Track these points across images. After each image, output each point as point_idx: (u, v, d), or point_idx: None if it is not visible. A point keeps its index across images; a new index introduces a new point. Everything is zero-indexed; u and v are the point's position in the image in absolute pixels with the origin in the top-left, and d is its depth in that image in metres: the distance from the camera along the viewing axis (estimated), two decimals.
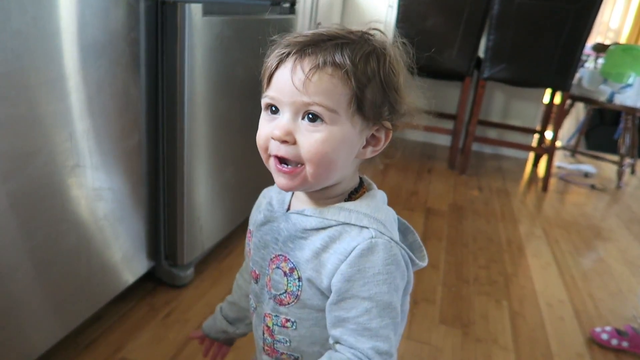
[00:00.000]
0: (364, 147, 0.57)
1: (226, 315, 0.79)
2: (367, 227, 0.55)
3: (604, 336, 1.39)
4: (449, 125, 3.23)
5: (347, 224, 0.56)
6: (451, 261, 1.80)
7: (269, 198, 0.64)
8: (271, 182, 0.61)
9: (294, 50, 0.52)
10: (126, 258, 1.26)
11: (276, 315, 0.61)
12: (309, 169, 0.53)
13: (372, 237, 0.54)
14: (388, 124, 0.56)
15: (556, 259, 1.92)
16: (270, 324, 0.62)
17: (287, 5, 1.79)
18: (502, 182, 2.79)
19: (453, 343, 1.35)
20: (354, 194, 0.59)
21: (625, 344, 1.37)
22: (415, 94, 0.58)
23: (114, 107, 1.10)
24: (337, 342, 0.56)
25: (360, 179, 0.62)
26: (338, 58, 0.51)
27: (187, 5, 1.17)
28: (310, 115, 0.52)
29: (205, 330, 0.82)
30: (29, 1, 0.84)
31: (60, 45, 0.92)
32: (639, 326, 1.41)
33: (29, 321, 0.99)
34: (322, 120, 0.52)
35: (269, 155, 0.55)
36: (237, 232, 1.71)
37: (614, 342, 1.38)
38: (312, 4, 2.27)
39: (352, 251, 0.54)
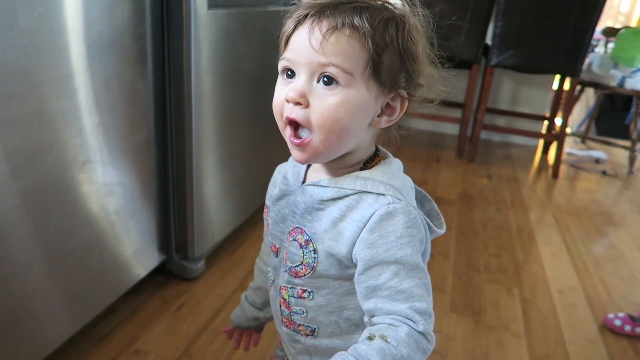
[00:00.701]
0: (379, 115, 0.56)
1: (253, 302, 0.80)
2: (383, 194, 0.55)
3: (617, 322, 1.38)
4: (456, 113, 3.21)
5: (364, 192, 0.56)
6: (461, 250, 1.80)
7: (284, 172, 0.64)
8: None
9: (312, 12, 0.52)
10: (138, 252, 1.27)
11: (292, 287, 0.61)
12: (319, 136, 0.53)
13: (390, 203, 0.54)
14: (404, 93, 0.56)
15: (567, 246, 1.91)
16: (286, 296, 0.62)
17: (290, 8, 1.78)
18: (511, 169, 2.77)
19: (464, 331, 1.35)
20: (369, 163, 0.59)
21: (638, 329, 1.36)
22: (433, 66, 0.57)
23: (122, 102, 1.11)
24: (372, 315, 0.54)
25: (376, 148, 0.61)
26: (357, 20, 0.51)
27: None
28: (325, 78, 0.52)
29: (235, 322, 0.82)
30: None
31: (68, 42, 0.93)
32: None
33: (44, 315, 1.00)
34: (337, 83, 0.52)
35: (285, 123, 0.55)
36: (247, 224, 1.71)
37: (627, 328, 1.37)
38: None
39: (370, 218, 0.54)
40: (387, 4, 0.54)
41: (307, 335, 0.63)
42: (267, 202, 0.67)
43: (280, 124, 0.56)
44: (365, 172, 0.57)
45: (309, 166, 0.62)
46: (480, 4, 2.54)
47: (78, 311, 1.10)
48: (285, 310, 0.63)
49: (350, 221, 0.55)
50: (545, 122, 3.21)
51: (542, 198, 2.42)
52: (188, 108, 1.26)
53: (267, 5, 1.59)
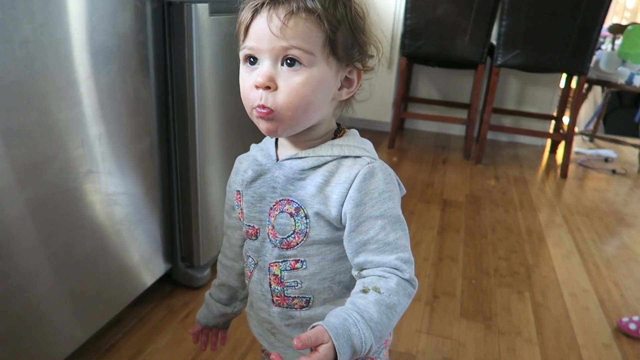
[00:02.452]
0: (340, 88, 0.61)
1: (219, 298, 0.81)
2: (359, 157, 0.60)
3: (632, 326, 1.36)
4: (462, 114, 3.19)
5: (342, 157, 0.60)
6: (470, 253, 1.77)
7: (252, 157, 0.67)
8: None
9: (267, 1, 0.55)
10: (143, 261, 1.26)
11: (284, 261, 0.64)
12: (287, 113, 0.56)
13: (369, 163, 0.60)
14: (359, 65, 0.61)
15: (578, 247, 1.88)
16: (277, 272, 0.65)
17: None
18: (519, 170, 2.74)
19: (475, 337, 1.33)
20: (337, 134, 0.64)
21: None
22: (378, 35, 0.62)
23: (125, 111, 1.10)
24: (362, 269, 0.59)
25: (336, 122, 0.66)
26: (310, 3, 0.55)
27: (193, 5, 1.16)
28: (288, 60, 0.55)
29: (202, 321, 0.83)
30: (37, 8, 0.83)
31: (70, 51, 0.92)
32: None
33: (51, 327, 0.99)
34: (300, 63, 0.55)
35: (252, 107, 0.58)
36: None
37: None
38: None
39: (354, 178, 0.59)
40: None
41: (301, 307, 0.65)
42: (238, 187, 0.69)
43: (248, 108, 0.60)
44: (338, 140, 0.62)
45: (277, 146, 0.65)
46: (484, 4, 2.52)
47: (85, 322, 1.09)
48: (277, 287, 0.65)
49: (334, 184, 0.60)
50: (553, 122, 3.17)
51: (551, 198, 2.39)
52: (191, 115, 1.25)
53: None
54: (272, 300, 0.66)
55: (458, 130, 3.34)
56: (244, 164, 0.69)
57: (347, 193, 0.59)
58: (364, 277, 0.59)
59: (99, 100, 1.01)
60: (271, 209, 0.64)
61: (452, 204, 2.19)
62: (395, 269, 0.57)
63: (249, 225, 0.67)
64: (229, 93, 1.38)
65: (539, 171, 2.82)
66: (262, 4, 0.55)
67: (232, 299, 0.80)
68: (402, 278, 0.57)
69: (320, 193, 0.60)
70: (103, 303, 1.14)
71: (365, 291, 0.56)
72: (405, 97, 3.13)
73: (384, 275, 0.57)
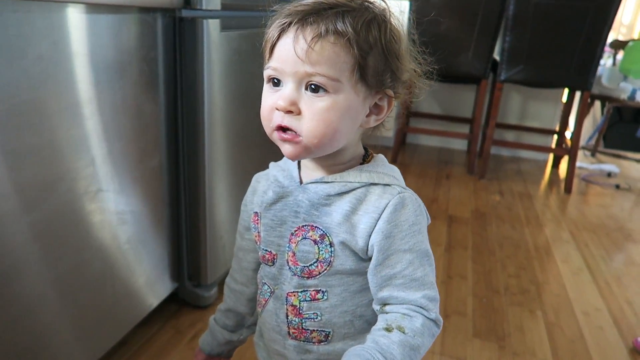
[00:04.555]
0: (368, 115, 0.57)
1: (224, 325, 0.76)
2: (389, 185, 0.57)
3: None
4: (464, 129, 3.18)
5: (371, 184, 0.57)
6: (479, 270, 1.75)
7: (272, 177, 0.64)
8: None
9: (296, 20, 0.52)
10: (150, 281, 1.23)
11: (303, 291, 0.60)
12: (312, 140, 0.53)
13: (400, 193, 0.56)
14: (391, 92, 0.57)
15: (587, 264, 1.86)
16: (296, 302, 0.60)
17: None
18: (523, 185, 2.73)
19: (490, 358, 1.30)
20: (365, 159, 0.61)
21: None
22: (416, 62, 0.59)
23: (134, 128, 1.08)
24: (385, 304, 0.56)
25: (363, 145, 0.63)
26: (340, 26, 0.51)
27: (205, 21, 1.14)
28: (312, 86, 0.52)
29: (206, 349, 0.78)
30: (48, 25, 0.81)
31: (82, 68, 0.90)
32: None
33: (57, 351, 0.96)
34: (325, 90, 0.52)
35: (273, 129, 0.55)
36: None
37: None
38: None
39: (384, 208, 0.55)
40: (366, 3, 0.55)
41: (320, 342, 0.61)
42: (257, 209, 0.65)
43: (267, 129, 0.57)
44: (367, 166, 0.59)
45: (300, 167, 0.62)
46: (488, 20, 2.53)
47: (91, 345, 1.05)
48: (294, 319, 0.61)
49: (362, 213, 0.56)
50: (555, 136, 3.17)
51: (556, 214, 2.37)
52: (201, 132, 1.23)
53: None
54: (288, 332, 0.62)
55: (460, 145, 3.33)
56: (263, 184, 0.66)
57: (376, 224, 0.55)
58: (387, 312, 0.55)
59: (109, 117, 0.99)
60: (292, 234, 0.60)
61: (458, 220, 2.17)
62: (421, 307, 0.54)
63: (266, 250, 0.63)
64: (238, 110, 1.36)
65: (543, 186, 2.81)
66: (290, 23, 0.52)
67: (239, 325, 0.76)
68: (428, 318, 0.54)
69: (347, 221, 0.57)
70: (109, 326, 1.10)
71: (388, 329, 0.53)
72: (407, 112, 3.12)
73: (409, 313, 0.54)
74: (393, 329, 0.53)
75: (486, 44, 2.57)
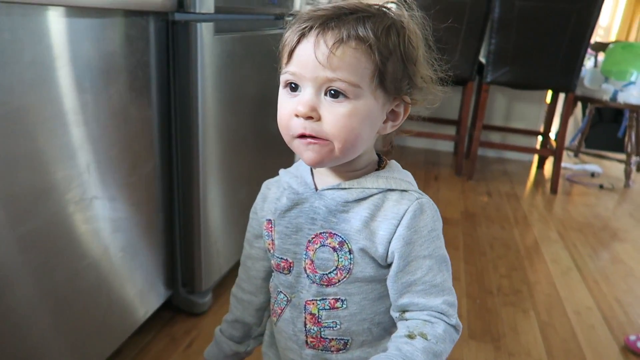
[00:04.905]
0: (385, 121, 0.57)
1: (231, 335, 0.74)
2: (406, 191, 0.57)
3: None
4: (450, 130, 3.21)
5: (389, 190, 0.57)
6: (472, 271, 1.76)
7: (285, 184, 0.63)
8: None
9: (317, 24, 0.51)
10: (144, 289, 1.20)
11: (322, 299, 0.59)
12: (336, 144, 0.53)
13: (418, 199, 0.56)
14: (408, 99, 0.57)
15: (576, 264, 1.88)
16: (315, 311, 0.60)
17: (290, 19, 1.75)
18: (510, 185, 2.76)
19: (486, 359, 1.31)
20: (380, 164, 0.61)
21: None
22: (432, 68, 0.58)
23: (128, 134, 1.06)
24: (404, 310, 0.56)
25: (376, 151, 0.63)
26: (361, 31, 0.51)
27: (199, 24, 1.13)
28: (332, 92, 0.52)
29: None
30: (44, 29, 0.79)
31: (75, 73, 0.88)
32: None
33: None
34: (345, 96, 0.52)
35: (293, 137, 0.54)
36: None
37: None
38: None
39: (404, 214, 0.55)
40: (384, 9, 0.54)
41: (338, 350, 0.61)
42: (270, 216, 0.64)
43: (287, 137, 0.56)
44: (383, 172, 0.59)
45: (313, 174, 0.61)
46: (473, 23, 2.55)
47: (86, 356, 1.03)
48: (313, 327, 0.60)
49: (381, 219, 0.56)
50: (539, 137, 3.22)
51: (543, 214, 2.40)
52: (195, 136, 1.21)
53: (269, 28, 1.56)
54: (306, 341, 0.61)
55: (447, 146, 3.36)
56: (274, 191, 0.65)
57: (396, 230, 0.55)
58: (407, 319, 0.55)
59: (103, 123, 0.97)
60: (309, 241, 0.59)
61: (449, 221, 2.19)
62: (441, 313, 0.55)
63: (281, 258, 0.62)
64: (232, 114, 1.35)
65: (529, 186, 2.85)
66: (311, 28, 0.51)
67: (246, 336, 0.75)
68: (449, 324, 0.55)
69: (366, 228, 0.56)
70: (104, 335, 1.08)
71: (411, 336, 0.53)
72: None
73: (431, 320, 0.54)
74: (416, 335, 0.53)
75: (472, 46, 2.60)
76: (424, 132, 3.10)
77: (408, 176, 0.61)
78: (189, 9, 1.12)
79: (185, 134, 1.21)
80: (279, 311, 0.64)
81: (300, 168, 0.63)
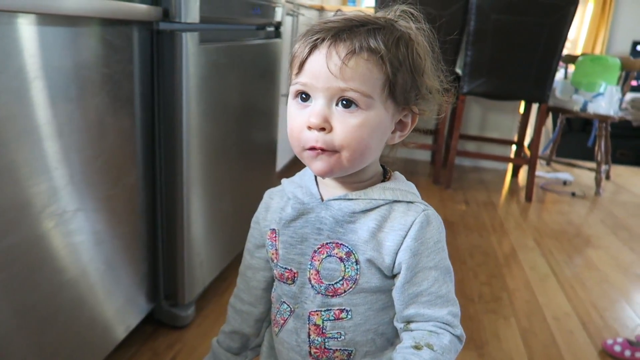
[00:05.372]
0: (393, 132, 0.59)
1: (229, 347, 0.73)
2: (412, 202, 0.58)
3: (617, 348, 1.39)
4: (427, 140, 3.25)
5: (395, 201, 0.57)
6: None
7: (290, 194, 0.63)
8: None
9: (329, 36, 0.52)
10: (126, 302, 1.18)
11: (327, 310, 0.59)
12: (345, 154, 0.53)
13: (424, 210, 0.57)
14: (416, 109, 0.58)
15: (553, 270, 1.93)
16: (319, 322, 0.60)
17: (272, 29, 1.76)
18: (486, 194, 2.81)
19: None
20: (386, 175, 0.62)
21: (638, 354, 1.37)
22: (438, 79, 0.60)
23: (111, 144, 1.04)
24: (410, 321, 0.57)
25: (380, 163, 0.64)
26: (373, 43, 0.52)
27: (184, 34, 1.12)
28: (344, 102, 0.53)
29: None
30: (29, 37, 0.77)
31: (58, 82, 0.86)
32: None
33: None
34: (357, 106, 0.53)
35: (304, 148, 0.54)
36: (235, 262, 1.64)
37: (627, 353, 1.37)
38: (293, 27, 2.25)
39: (411, 226, 0.56)
40: (392, 22, 0.56)
41: None
42: (274, 225, 0.63)
43: (297, 148, 0.56)
44: (389, 184, 0.59)
45: (318, 185, 0.62)
46: (450, 34, 2.60)
47: None
48: (317, 339, 0.60)
49: (388, 231, 0.56)
50: (513, 146, 3.29)
51: (519, 222, 2.45)
52: (179, 147, 1.20)
53: (252, 38, 1.56)
54: (310, 352, 0.61)
55: (424, 155, 3.40)
56: (277, 200, 0.65)
57: (403, 241, 0.56)
58: (412, 330, 0.56)
59: (86, 133, 0.95)
60: (315, 251, 0.59)
61: None
62: (446, 324, 0.55)
63: (285, 268, 0.62)
64: (216, 124, 1.34)
65: (504, 195, 2.91)
66: (323, 40, 0.52)
67: (244, 348, 0.74)
68: (454, 334, 0.55)
69: (373, 239, 0.57)
70: (85, 352, 1.04)
71: (418, 347, 0.53)
72: None
73: (436, 331, 0.55)
74: (422, 346, 0.53)
75: (449, 57, 2.65)
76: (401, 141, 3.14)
77: (412, 187, 0.62)
78: (174, 18, 1.11)
79: (169, 144, 1.20)
80: (282, 322, 0.64)
81: (304, 178, 0.63)
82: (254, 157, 1.66)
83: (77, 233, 0.96)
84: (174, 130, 1.19)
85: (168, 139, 1.19)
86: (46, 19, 0.81)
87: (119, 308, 1.14)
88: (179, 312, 1.34)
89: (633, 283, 1.87)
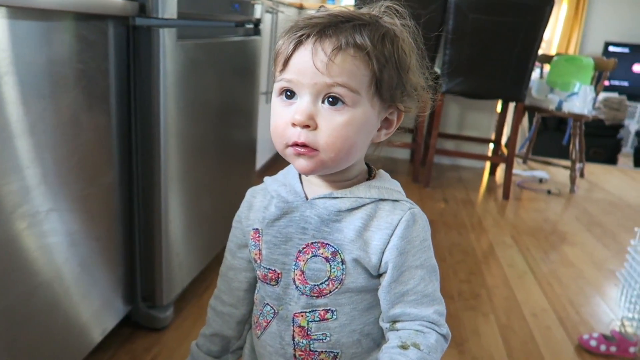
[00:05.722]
0: (379, 129, 0.58)
1: (209, 350, 0.72)
2: (398, 200, 0.57)
3: (592, 343, 1.41)
4: (407, 138, 3.27)
5: (381, 200, 0.56)
6: None
7: (273, 192, 0.61)
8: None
9: (314, 32, 0.51)
10: (103, 305, 1.15)
11: (312, 311, 0.58)
12: (328, 154, 0.52)
13: (410, 209, 0.56)
14: (402, 107, 0.58)
15: (531, 267, 1.95)
16: (304, 323, 0.59)
17: (251, 26, 1.74)
18: (465, 192, 2.84)
19: None
20: (371, 174, 0.61)
21: (613, 348, 1.40)
22: (423, 76, 0.59)
23: (86, 143, 1.01)
24: (396, 321, 0.56)
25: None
26: (359, 39, 0.51)
27: (161, 30, 1.10)
28: (330, 99, 0.52)
29: None
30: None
31: (29, 79, 0.83)
32: (624, 330, 1.44)
33: None
34: (343, 102, 0.52)
35: (287, 145, 0.53)
36: (214, 263, 1.61)
37: (603, 348, 1.40)
38: (272, 24, 2.24)
39: (397, 224, 0.55)
40: (376, 18, 0.55)
41: None
42: (257, 225, 0.62)
43: (279, 145, 0.55)
44: (375, 182, 0.58)
45: (302, 183, 0.61)
46: (428, 33, 2.61)
47: None
48: (302, 341, 0.59)
49: (374, 229, 0.56)
50: (491, 145, 3.33)
51: (497, 219, 2.49)
52: (156, 145, 1.17)
53: (231, 35, 1.54)
54: (294, 355, 0.60)
55: (403, 154, 3.42)
56: (260, 199, 0.63)
57: (390, 240, 0.55)
58: (398, 330, 0.55)
59: (60, 131, 0.92)
60: (300, 251, 0.58)
61: None
62: (432, 323, 0.55)
63: (268, 269, 0.60)
64: (195, 122, 1.32)
65: (482, 193, 2.94)
66: (308, 35, 0.51)
67: (224, 351, 0.72)
68: (440, 334, 0.55)
69: (359, 238, 0.56)
70: (60, 356, 1.01)
71: (404, 347, 0.53)
72: None
73: (423, 330, 0.54)
74: (409, 346, 0.53)
75: (427, 56, 2.66)
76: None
77: (398, 186, 0.61)
78: (151, 14, 1.09)
79: (146, 143, 1.17)
80: (265, 324, 0.62)
81: (288, 176, 0.62)
82: (233, 156, 1.64)
83: (51, 234, 0.93)
84: (151, 128, 1.16)
85: (145, 137, 1.17)
86: (18, 12, 0.78)
87: (95, 310, 1.11)
88: (157, 314, 1.32)
89: (607, 279, 1.91)
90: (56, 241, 0.95)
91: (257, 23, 1.76)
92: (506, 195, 2.79)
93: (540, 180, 3.19)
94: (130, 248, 1.24)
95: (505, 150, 3.03)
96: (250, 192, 0.66)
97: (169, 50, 1.13)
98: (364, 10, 0.56)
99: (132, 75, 1.12)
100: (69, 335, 1.03)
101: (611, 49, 5.33)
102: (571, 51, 5.68)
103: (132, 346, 1.26)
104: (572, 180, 3.02)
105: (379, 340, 0.60)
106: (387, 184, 0.59)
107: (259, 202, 0.63)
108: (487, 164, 3.38)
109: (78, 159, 0.98)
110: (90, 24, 0.97)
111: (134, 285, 1.28)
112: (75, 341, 1.06)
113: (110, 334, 1.23)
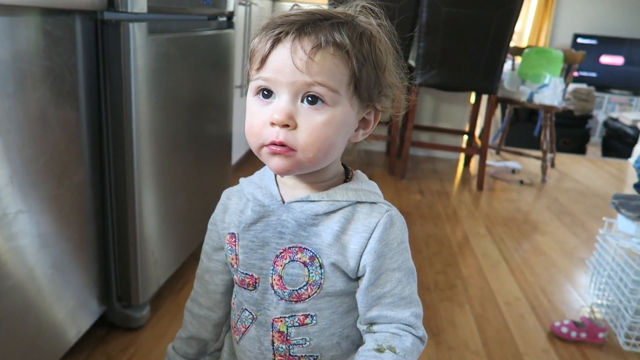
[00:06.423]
0: (356, 129, 0.57)
1: (185, 353, 0.71)
2: (375, 203, 0.57)
3: (564, 330, 1.45)
4: (382, 131, 3.29)
5: (358, 202, 0.56)
6: None
7: (249, 195, 0.60)
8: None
9: (293, 30, 0.50)
10: (77, 306, 1.12)
11: (291, 316, 0.58)
12: (306, 154, 0.51)
13: (387, 211, 0.56)
14: (379, 106, 0.57)
15: (504, 257, 2.00)
16: (283, 329, 0.58)
17: (224, 19, 1.72)
18: (440, 184, 2.88)
19: (427, 354, 1.35)
20: (348, 175, 0.60)
21: (583, 335, 1.44)
22: (398, 76, 0.59)
23: (55, 142, 0.98)
24: (372, 323, 0.56)
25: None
26: (338, 37, 0.51)
27: (131, 24, 1.07)
28: (310, 98, 0.51)
29: None
30: None
31: None
32: (594, 316, 1.49)
33: None
34: (323, 102, 0.51)
35: (262, 144, 0.52)
36: (190, 260, 1.60)
37: (573, 334, 1.44)
38: (246, 17, 2.21)
39: (375, 227, 0.55)
40: (352, 17, 0.54)
41: None
42: (233, 229, 0.61)
43: (254, 145, 0.54)
44: (352, 184, 0.58)
45: (278, 186, 0.60)
46: (402, 26, 2.62)
47: None
48: (281, 346, 0.59)
49: (352, 233, 0.55)
50: (465, 136, 3.38)
51: (472, 210, 2.53)
52: (128, 142, 1.15)
53: (203, 29, 1.52)
54: (274, 359, 0.59)
55: (379, 146, 3.44)
56: (235, 201, 0.62)
57: (367, 243, 0.55)
58: (375, 332, 0.55)
59: (27, 130, 0.90)
60: (277, 256, 0.57)
61: None
62: (409, 325, 0.55)
63: (245, 274, 0.59)
64: (167, 118, 1.30)
65: (457, 184, 2.98)
66: (287, 33, 0.50)
67: (201, 353, 0.71)
68: (416, 336, 0.55)
69: (337, 242, 0.55)
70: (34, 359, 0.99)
71: (380, 350, 0.53)
72: None
73: (399, 333, 0.54)
74: (385, 349, 0.53)
75: (401, 49, 2.67)
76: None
77: (375, 187, 0.61)
78: (120, 8, 1.06)
79: (118, 140, 1.15)
80: (243, 329, 0.61)
81: (264, 178, 0.61)
82: (208, 151, 1.62)
83: (20, 236, 0.90)
84: (122, 125, 1.14)
85: (116, 135, 1.14)
86: None
87: (69, 312, 1.09)
88: (132, 314, 1.30)
89: (577, 267, 1.97)
90: (26, 243, 0.92)
91: (230, 16, 1.74)
92: (480, 186, 2.84)
93: (513, 171, 3.25)
94: (104, 248, 1.22)
95: (479, 142, 3.07)
96: (225, 193, 0.65)
97: (139, 46, 1.11)
98: (340, 9, 0.55)
99: (102, 72, 1.10)
100: (43, 337, 1.01)
101: (580, 40, 5.45)
102: (541, 43, 5.79)
103: (108, 347, 1.25)
104: (544, 170, 3.09)
105: (358, 342, 0.61)
106: (364, 186, 0.59)
107: (235, 205, 0.62)
108: (462, 156, 3.43)
109: (47, 159, 0.96)
110: (57, 18, 0.95)
111: (108, 285, 1.26)
112: (49, 343, 1.04)
113: (86, 335, 1.21)
